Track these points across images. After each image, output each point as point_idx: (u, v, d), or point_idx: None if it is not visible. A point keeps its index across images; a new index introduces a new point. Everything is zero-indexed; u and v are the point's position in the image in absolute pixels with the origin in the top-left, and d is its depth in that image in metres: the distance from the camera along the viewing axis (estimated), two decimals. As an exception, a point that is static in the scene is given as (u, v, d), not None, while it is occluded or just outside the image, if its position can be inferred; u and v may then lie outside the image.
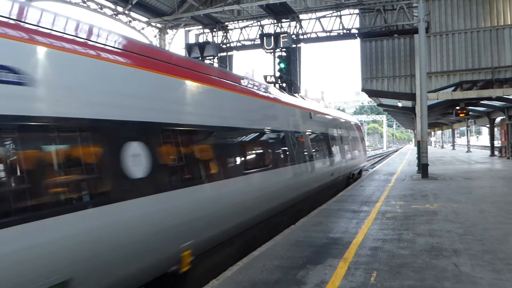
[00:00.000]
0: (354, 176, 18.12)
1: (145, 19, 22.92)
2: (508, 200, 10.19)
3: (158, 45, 22.76)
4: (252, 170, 7.56)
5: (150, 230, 4.66)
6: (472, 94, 19.15)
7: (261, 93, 9.11)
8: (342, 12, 20.18)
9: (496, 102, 25.70)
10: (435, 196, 11.31)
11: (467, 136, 44.40)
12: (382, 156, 48.37)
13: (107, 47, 4.71)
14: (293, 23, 19.97)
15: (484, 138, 70.12)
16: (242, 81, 8.40)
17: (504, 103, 25.73)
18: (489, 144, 34.87)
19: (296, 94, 14.50)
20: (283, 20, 19.88)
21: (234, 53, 22.62)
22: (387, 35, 19.51)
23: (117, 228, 4.22)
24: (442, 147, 66.10)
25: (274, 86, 15.70)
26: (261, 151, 8.66)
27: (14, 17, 3.78)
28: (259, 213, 7.72)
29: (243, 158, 7.40)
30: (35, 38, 3.81)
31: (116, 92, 4.61)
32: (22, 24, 3.80)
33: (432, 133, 76.32)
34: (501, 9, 18.74)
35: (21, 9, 3.98)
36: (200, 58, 20.25)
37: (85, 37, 4.50)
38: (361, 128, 24.81)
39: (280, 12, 19.35)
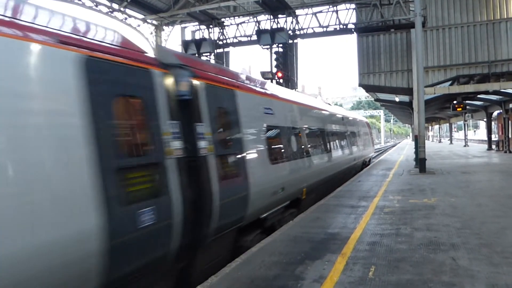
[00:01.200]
0: (365, 162, 22.98)
1: (141, 16, 22.86)
2: (505, 194, 10.23)
3: (154, 42, 22.67)
4: (327, 151, 13.16)
5: (295, 176, 9.33)
6: (469, 88, 19.17)
7: (326, 108, 15.11)
8: (339, 7, 20.18)
9: (493, 96, 25.75)
10: (433, 190, 11.34)
11: (465, 130, 44.44)
12: (380, 151, 48.43)
13: (266, 91, 8.86)
14: (289, 19, 19.94)
15: (481, 132, 70.38)
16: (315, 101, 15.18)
17: (501, 97, 25.79)
18: (486, 138, 34.96)
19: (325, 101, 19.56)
20: (279, 16, 19.86)
21: (231, 49, 22.59)
22: (383, 30, 19.50)
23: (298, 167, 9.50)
24: (440, 141, 66.30)
25: (271, 82, 15.70)
26: (332, 141, 14.29)
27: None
28: (327, 176, 12.95)
29: (324, 145, 13.05)
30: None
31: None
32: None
33: (430, 127, 76.46)
34: (498, 3, 18.74)
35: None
36: (196, 55, 20.21)
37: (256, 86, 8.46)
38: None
39: (276, 8, 19.32)
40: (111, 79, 4.19)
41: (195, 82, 5.60)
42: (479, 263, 4.99)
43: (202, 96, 5.75)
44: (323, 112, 14.31)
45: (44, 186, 3.30)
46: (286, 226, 7.61)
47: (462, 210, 8.34)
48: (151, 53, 5.02)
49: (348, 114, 20.50)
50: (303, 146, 10.46)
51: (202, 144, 5.54)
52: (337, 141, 15.39)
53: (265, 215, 7.63)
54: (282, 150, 8.86)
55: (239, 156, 6.75)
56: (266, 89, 8.87)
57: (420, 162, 16.41)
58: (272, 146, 8.31)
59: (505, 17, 18.56)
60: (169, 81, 5.14)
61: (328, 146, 13.41)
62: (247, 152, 6.98)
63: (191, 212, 5.08)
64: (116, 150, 4.08)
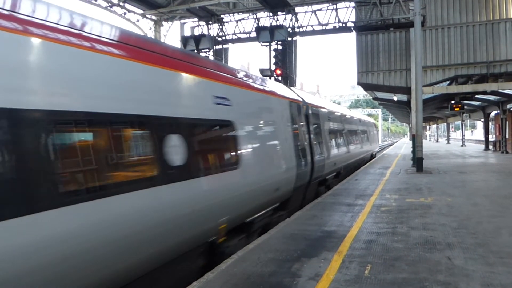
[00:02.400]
0: (372, 155, 29.09)
1: (140, 11, 22.76)
2: (501, 193, 10.26)
3: (153, 37, 22.62)
4: (354, 144, 18.98)
5: (340, 158, 15.59)
6: (467, 88, 19.22)
7: (352, 114, 21.95)
8: (338, 5, 20.12)
9: (491, 96, 25.81)
10: (430, 190, 11.37)
11: (462, 130, 44.55)
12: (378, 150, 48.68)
13: (332, 109, 16.36)
14: (288, 16, 19.87)
15: (478, 132, 70.45)
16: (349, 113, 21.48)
17: (498, 97, 25.84)
18: (483, 139, 35.04)
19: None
20: (278, 13, 19.78)
21: (230, 46, 22.52)
22: (383, 28, 19.48)
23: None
24: (437, 141, 66.40)
25: (270, 79, 15.69)
26: (356, 137, 20.20)
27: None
28: (354, 160, 19.15)
29: (353, 140, 19.05)
30: None
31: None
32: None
33: (427, 127, 76.57)
34: (497, 3, 18.76)
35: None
36: (195, 51, 20.16)
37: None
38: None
39: (275, 5, 19.26)
40: (297, 108, 10.70)
41: (308, 108, 11.94)
42: (474, 262, 5.01)
43: (310, 114, 11.97)
44: (353, 117, 21.35)
45: (290, 156, 9.33)
46: (283, 223, 7.63)
47: (459, 209, 8.37)
48: (300, 99, 11.45)
49: (363, 117, 27.66)
50: (344, 141, 16.91)
51: (312, 137, 11.73)
52: (358, 137, 21.52)
53: (328, 176, 13.70)
54: (335, 143, 15.13)
55: (322, 144, 12.83)
56: (330, 107, 16.16)
57: (417, 161, 16.44)
58: (332, 140, 14.79)
59: (504, 17, 18.59)
60: (303, 108, 11.41)
61: (354, 141, 19.73)
62: (325, 142, 13.21)
63: (310, 168, 10.90)
64: (296, 140, 10.03)
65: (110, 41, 4.48)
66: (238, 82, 7.50)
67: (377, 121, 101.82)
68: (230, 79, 7.19)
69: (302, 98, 11.54)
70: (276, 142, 8.72)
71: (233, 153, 6.69)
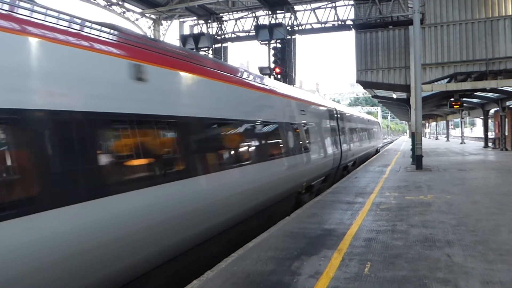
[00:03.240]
0: (377, 150, 34.17)
1: (139, 10, 22.75)
2: (500, 191, 10.28)
3: (152, 36, 22.60)
4: (365, 140, 24.59)
5: (355, 151, 19.72)
6: (467, 85, 19.21)
7: (364, 116, 29.46)
8: (337, 3, 20.13)
9: (490, 93, 25.78)
10: (429, 187, 11.38)
11: (461, 127, 44.58)
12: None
13: (353, 114, 23.09)
14: (288, 15, 19.88)
15: (478, 130, 70.38)
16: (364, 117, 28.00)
17: (498, 94, 25.81)
18: (483, 136, 35.05)
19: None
20: (278, 12, 19.79)
21: (229, 44, 22.51)
22: (382, 26, 19.48)
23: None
24: (437, 138, 66.38)
25: (269, 77, 15.71)
26: (366, 135, 25.32)
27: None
28: (366, 153, 24.31)
29: (364, 137, 24.60)
30: None
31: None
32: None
33: (427, 124, 76.51)
34: (496, 0, 18.74)
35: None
36: (194, 50, 20.14)
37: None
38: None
39: (274, 3, 19.25)
40: (333, 114, 15.62)
41: (338, 112, 16.42)
42: (474, 260, 5.02)
43: (338, 117, 16.36)
44: (363, 118, 27.26)
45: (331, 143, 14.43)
46: (283, 221, 7.63)
47: (458, 207, 8.38)
48: (333, 106, 16.37)
49: (371, 118, 34.76)
50: (358, 137, 21.55)
51: (340, 134, 16.01)
52: (368, 134, 26.65)
53: (349, 163, 17.81)
54: (352, 139, 19.26)
55: (346, 139, 16.96)
56: (349, 111, 21.07)
57: (417, 159, 16.44)
58: (351, 136, 18.80)
59: (503, 14, 18.57)
60: (335, 113, 15.98)
61: (365, 137, 24.87)
62: (347, 138, 17.32)
63: (339, 156, 15.21)
64: (334, 136, 14.98)
65: (228, 74, 7.38)
66: (309, 102, 12.73)
67: (377, 119, 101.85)
68: (306, 100, 12.49)
69: (334, 106, 16.53)
70: (327, 136, 13.98)
71: (307, 142, 11.39)
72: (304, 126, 11.34)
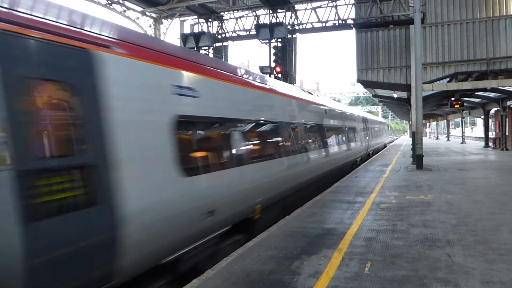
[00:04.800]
0: (385, 145, 42.12)
1: (140, 9, 22.73)
2: (501, 191, 10.27)
3: (153, 35, 22.60)
4: (376, 138, 32.54)
5: (370, 145, 27.09)
6: (467, 85, 19.17)
7: (375, 119, 38.71)
8: (338, 3, 20.09)
9: (490, 93, 25.76)
10: (429, 187, 11.37)
11: (462, 127, 44.51)
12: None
13: (375, 119, 37.96)
14: (288, 14, 19.85)
15: (478, 130, 70.36)
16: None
17: (498, 94, 25.79)
18: (483, 136, 35.03)
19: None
20: (278, 11, 19.76)
21: (230, 43, 22.49)
22: (382, 26, 19.46)
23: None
24: (437, 138, 66.32)
25: (270, 76, 15.68)
26: (377, 133, 34.01)
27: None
28: (376, 147, 32.18)
29: (375, 135, 32.34)
30: None
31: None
32: None
33: (427, 124, 76.48)
34: (497, 0, 18.71)
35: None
36: (195, 49, 20.13)
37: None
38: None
39: (275, 2, 19.24)
40: (362, 119, 25.18)
41: (364, 118, 25.98)
42: (474, 259, 5.02)
43: (364, 121, 25.40)
44: (377, 120, 35.92)
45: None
46: (283, 220, 7.63)
47: (458, 207, 8.38)
48: (362, 114, 26.91)
49: (380, 119, 44.69)
50: (374, 134, 29.94)
51: (367, 132, 25.28)
52: (380, 132, 35.00)
53: (371, 152, 26.86)
54: (371, 136, 27.53)
55: (369, 136, 26.17)
56: (370, 116, 32.72)
57: (417, 158, 16.42)
58: (371, 134, 27.36)
59: (504, 14, 18.55)
60: (363, 118, 25.25)
61: (378, 134, 32.57)
62: (370, 135, 26.90)
63: (367, 147, 24.44)
64: (365, 134, 24.65)
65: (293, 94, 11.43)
66: (348, 115, 18.79)
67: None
68: (346, 113, 18.09)
69: (364, 115, 26.13)
70: (363, 135, 22.62)
71: (359, 137, 21.04)
72: (359, 128, 21.94)
